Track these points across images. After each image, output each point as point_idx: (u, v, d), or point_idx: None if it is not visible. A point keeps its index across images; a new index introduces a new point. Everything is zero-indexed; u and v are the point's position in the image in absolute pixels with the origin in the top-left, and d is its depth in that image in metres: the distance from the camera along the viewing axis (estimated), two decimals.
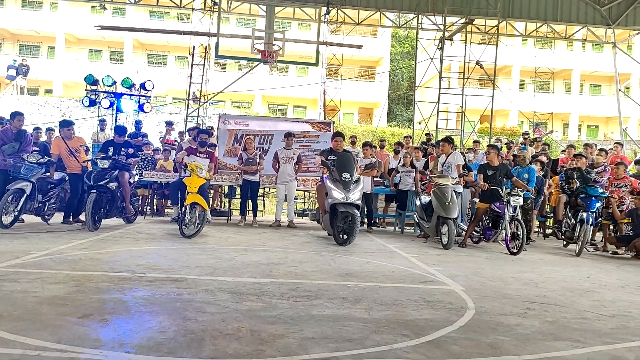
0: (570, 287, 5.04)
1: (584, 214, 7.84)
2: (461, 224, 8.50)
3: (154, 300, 3.68)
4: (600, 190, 8.17)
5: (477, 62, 15.69)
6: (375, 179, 10.15)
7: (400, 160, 10.38)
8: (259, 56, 14.35)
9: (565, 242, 8.81)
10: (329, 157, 7.89)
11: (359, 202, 7.53)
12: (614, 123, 28.88)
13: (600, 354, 3.04)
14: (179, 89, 23.79)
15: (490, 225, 7.96)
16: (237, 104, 32.79)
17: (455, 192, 8.02)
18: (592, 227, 8.02)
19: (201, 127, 12.94)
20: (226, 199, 12.19)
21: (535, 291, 4.75)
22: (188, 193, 7.37)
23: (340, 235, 7.27)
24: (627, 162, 10.65)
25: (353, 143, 11.83)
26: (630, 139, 18.32)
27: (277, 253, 6.23)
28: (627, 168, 9.85)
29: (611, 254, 8.38)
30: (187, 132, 12.31)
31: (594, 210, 7.96)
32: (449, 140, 8.82)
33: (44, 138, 10.45)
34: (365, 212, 9.95)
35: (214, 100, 20.46)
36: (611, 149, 11.24)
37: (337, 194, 7.34)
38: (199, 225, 7.31)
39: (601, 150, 10.29)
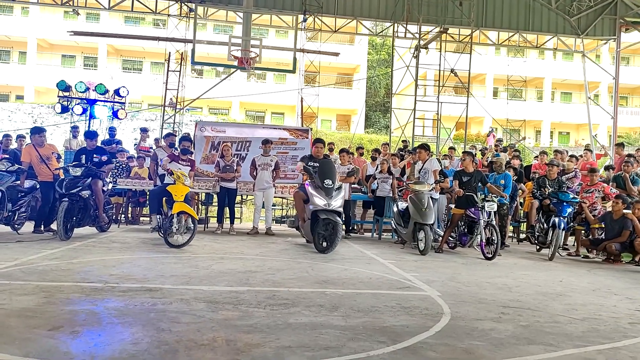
0: (543, 291, 5.13)
1: (556, 219, 8.00)
2: (437, 229, 8.59)
3: (127, 311, 3.61)
4: (571, 196, 8.35)
5: (452, 70, 15.96)
6: (352, 186, 10.20)
7: (377, 166, 10.45)
8: (235, 63, 14.29)
9: (538, 247, 8.99)
10: (310, 164, 7.87)
11: (341, 210, 7.52)
12: (584, 130, 29.70)
13: (572, 357, 3.10)
14: (154, 95, 23.53)
15: (466, 230, 8.06)
16: (214, 110, 32.59)
17: (431, 198, 8.12)
18: (564, 231, 8.19)
19: (180, 135, 12.79)
20: (203, 207, 12.05)
21: (510, 295, 4.82)
22: (174, 202, 7.20)
23: (321, 243, 7.23)
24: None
25: (331, 150, 11.87)
26: (600, 145, 18.80)
27: (255, 261, 6.19)
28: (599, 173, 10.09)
29: (583, 257, 8.57)
30: (162, 139, 12.16)
31: (566, 215, 8.13)
32: (425, 147, 8.92)
33: (14, 145, 10.20)
34: (343, 219, 9.97)
35: (191, 106, 20.30)
36: (581, 155, 11.52)
37: (319, 201, 7.31)
38: (190, 235, 7.14)
39: (572, 156, 10.54)
